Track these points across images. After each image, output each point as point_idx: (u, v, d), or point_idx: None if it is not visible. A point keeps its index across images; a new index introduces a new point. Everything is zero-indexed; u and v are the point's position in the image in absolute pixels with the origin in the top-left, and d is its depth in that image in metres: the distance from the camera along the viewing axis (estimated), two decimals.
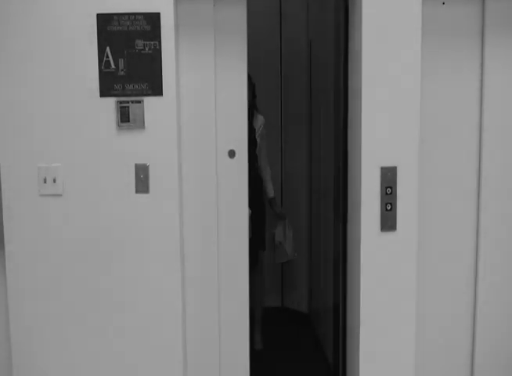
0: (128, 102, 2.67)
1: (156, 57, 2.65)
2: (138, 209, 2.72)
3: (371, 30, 2.69)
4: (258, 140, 4.12)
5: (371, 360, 2.84)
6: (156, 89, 2.66)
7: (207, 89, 2.81)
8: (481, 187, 2.93)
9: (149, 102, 2.67)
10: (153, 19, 2.62)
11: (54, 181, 2.69)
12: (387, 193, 2.75)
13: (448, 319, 3.01)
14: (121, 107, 2.67)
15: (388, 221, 2.78)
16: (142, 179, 2.70)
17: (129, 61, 2.65)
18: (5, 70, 2.64)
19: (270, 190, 4.26)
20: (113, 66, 2.65)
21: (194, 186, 2.84)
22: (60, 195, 2.71)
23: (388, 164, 2.76)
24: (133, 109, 2.67)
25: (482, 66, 2.87)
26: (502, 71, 2.88)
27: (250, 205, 3.66)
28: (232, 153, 2.88)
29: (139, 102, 2.67)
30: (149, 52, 2.64)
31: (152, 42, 2.64)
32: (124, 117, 2.67)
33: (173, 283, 2.75)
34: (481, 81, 2.88)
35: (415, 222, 2.80)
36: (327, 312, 3.88)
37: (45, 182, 2.69)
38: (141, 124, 2.68)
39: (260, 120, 4.17)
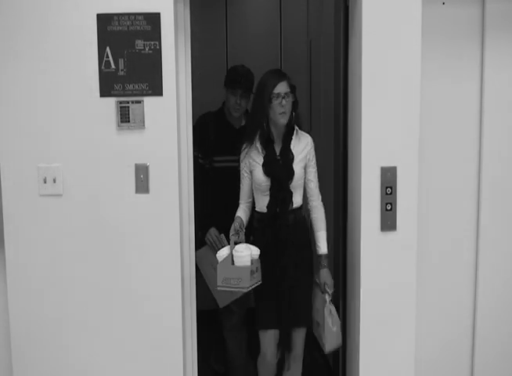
0: (127, 102, 2.66)
1: (156, 57, 2.64)
2: (138, 209, 2.72)
3: (371, 30, 2.69)
4: (296, 170, 2.89)
5: (371, 360, 2.83)
6: (156, 89, 2.66)
7: None
8: (481, 187, 2.93)
9: (149, 102, 2.67)
10: (153, 19, 2.62)
11: (54, 181, 2.69)
12: (387, 193, 2.75)
13: (448, 318, 3.01)
14: (121, 107, 2.67)
15: (388, 221, 2.77)
16: (142, 179, 2.70)
17: (129, 61, 2.64)
18: (5, 70, 2.64)
19: (323, 244, 2.94)
20: (113, 66, 2.65)
21: None
22: (60, 195, 2.70)
23: (388, 164, 2.76)
24: (133, 109, 2.67)
25: (482, 66, 2.87)
26: (502, 71, 2.88)
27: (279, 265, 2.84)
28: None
29: (139, 102, 2.67)
30: (149, 52, 2.64)
31: (152, 42, 2.63)
32: (124, 117, 2.67)
33: (173, 283, 2.75)
34: (481, 80, 2.88)
35: (415, 222, 2.80)
36: None
37: (45, 182, 2.69)
38: (141, 124, 2.68)
39: (304, 140, 2.94)
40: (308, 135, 2.97)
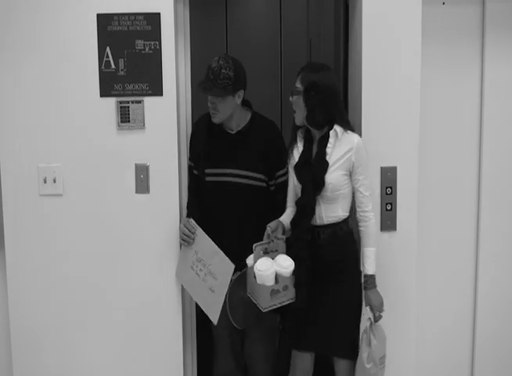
0: (128, 102, 2.67)
1: (156, 57, 2.64)
2: (138, 209, 2.72)
3: (371, 30, 2.69)
4: (331, 179, 2.49)
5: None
6: (156, 89, 2.66)
7: None
8: (481, 187, 2.93)
9: (149, 102, 2.67)
10: (153, 19, 2.62)
11: (54, 181, 2.69)
12: (387, 193, 2.75)
13: (448, 318, 3.01)
14: (121, 107, 2.67)
15: (388, 221, 2.77)
16: (142, 179, 2.70)
17: (129, 61, 2.64)
18: (5, 71, 2.64)
19: (368, 263, 2.53)
20: (113, 66, 2.65)
21: None
22: (60, 195, 2.70)
23: (388, 164, 2.76)
24: (133, 109, 2.67)
25: (482, 66, 2.87)
26: (502, 70, 2.88)
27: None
28: None
29: (139, 102, 2.67)
30: (149, 52, 2.64)
31: (152, 42, 2.64)
32: (124, 117, 2.67)
33: (173, 283, 2.75)
34: (482, 80, 2.88)
35: (415, 222, 2.79)
36: None
37: (45, 182, 2.69)
38: (141, 124, 2.68)
39: (348, 143, 2.50)
40: (355, 135, 2.53)
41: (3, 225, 2.71)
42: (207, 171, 2.68)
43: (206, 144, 2.70)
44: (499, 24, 2.83)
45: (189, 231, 2.63)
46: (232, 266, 2.53)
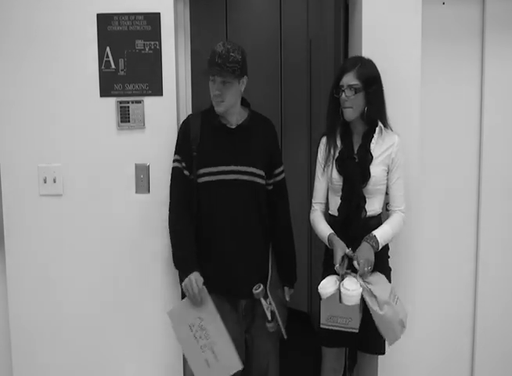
0: (128, 102, 2.67)
1: (156, 57, 2.65)
2: (138, 209, 2.72)
3: (371, 31, 2.69)
4: (374, 172, 2.52)
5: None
6: (156, 89, 2.66)
7: None
8: (481, 186, 2.93)
9: (149, 102, 2.68)
10: (153, 19, 2.62)
11: (54, 181, 2.69)
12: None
13: (448, 318, 3.01)
14: (121, 107, 2.67)
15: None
16: (142, 179, 2.70)
17: (129, 61, 2.65)
18: (5, 70, 2.64)
19: (382, 232, 2.51)
20: (113, 66, 2.65)
21: None
22: (60, 195, 2.71)
23: None
24: (133, 109, 2.67)
25: (482, 66, 2.87)
26: (502, 70, 2.88)
27: None
28: None
29: (139, 102, 2.67)
30: (149, 52, 2.65)
31: (152, 42, 2.64)
32: (124, 117, 2.67)
33: (171, 284, 2.75)
34: (481, 80, 2.88)
35: (414, 223, 2.79)
36: None
37: (45, 182, 2.69)
38: (141, 124, 2.68)
39: (389, 140, 2.55)
40: (395, 134, 2.57)
41: (3, 225, 2.71)
42: (206, 170, 2.52)
43: (203, 140, 2.54)
44: (499, 24, 2.83)
45: (200, 300, 2.46)
46: (240, 367, 2.50)
